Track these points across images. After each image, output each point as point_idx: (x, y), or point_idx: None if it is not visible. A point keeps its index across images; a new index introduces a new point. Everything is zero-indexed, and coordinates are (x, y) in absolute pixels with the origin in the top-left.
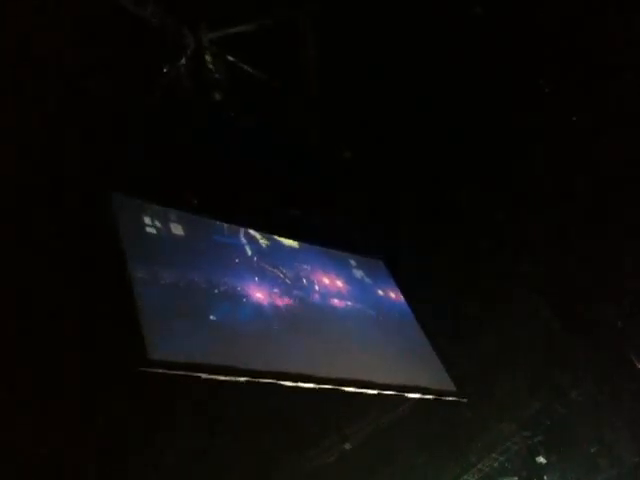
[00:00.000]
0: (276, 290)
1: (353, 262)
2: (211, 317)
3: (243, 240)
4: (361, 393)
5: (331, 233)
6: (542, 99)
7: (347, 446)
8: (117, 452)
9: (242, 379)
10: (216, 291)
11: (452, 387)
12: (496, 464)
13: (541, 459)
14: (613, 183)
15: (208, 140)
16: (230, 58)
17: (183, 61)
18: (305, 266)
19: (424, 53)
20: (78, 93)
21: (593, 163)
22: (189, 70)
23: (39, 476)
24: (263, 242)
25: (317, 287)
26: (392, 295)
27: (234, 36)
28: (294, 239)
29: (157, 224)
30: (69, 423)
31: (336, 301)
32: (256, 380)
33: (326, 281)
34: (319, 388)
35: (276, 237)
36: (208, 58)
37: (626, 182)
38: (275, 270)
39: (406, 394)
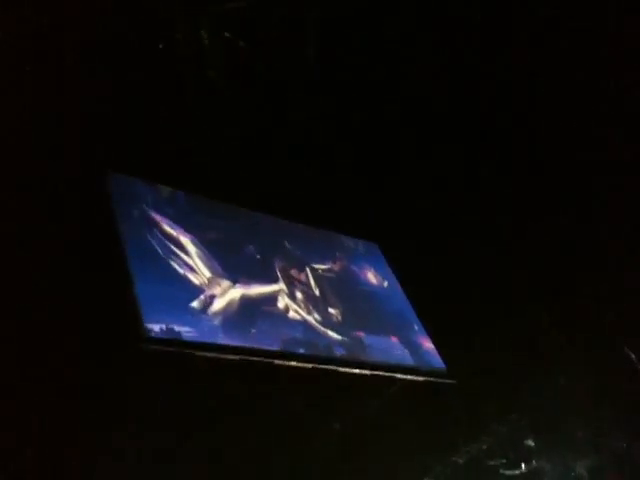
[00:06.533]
0: (277, 269)
1: (348, 243)
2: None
3: (249, 222)
4: (349, 373)
5: (326, 214)
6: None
7: (336, 426)
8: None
9: (235, 357)
10: (220, 274)
11: (443, 368)
12: (484, 446)
13: (529, 442)
14: (614, 184)
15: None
16: (227, 34)
17: (178, 37)
18: (304, 245)
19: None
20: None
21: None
22: (184, 47)
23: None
24: (267, 222)
25: (314, 265)
26: (386, 278)
27: (232, 12)
28: (289, 219)
29: (159, 206)
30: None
31: (329, 280)
32: (247, 358)
33: (322, 260)
34: (312, 367)
35: (277, 218)
36: (204, 34)
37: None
38: (277, 248)
39: (396, 375)
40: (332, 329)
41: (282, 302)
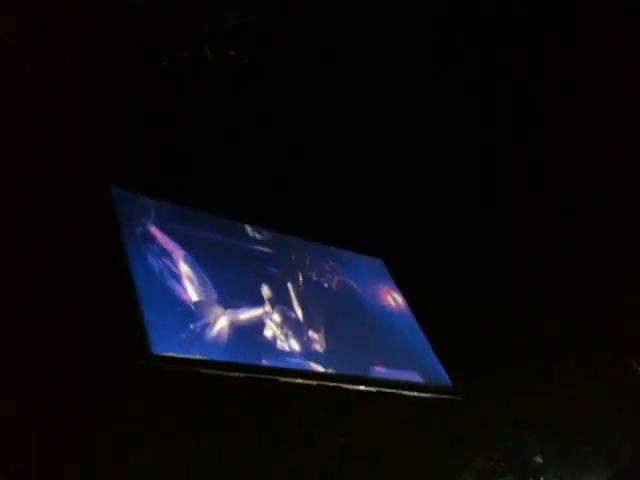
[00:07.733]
0: (281, 286)
1: (350, 258)
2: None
3: (249, 237)
4: (354, 390)
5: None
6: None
7: (342, 441)
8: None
9: (240, 375)
10: (211, 296)
11: (449, 384)
12: (492, 463)
13: (538, 458)
14: (614, 184)
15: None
16: (231, 52)
17: (183, 54)
18: (307, 261)
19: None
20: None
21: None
22: (189, 63)
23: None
24: (270, 239)
25: (308, 283)
26: (391, 294)
27: (235, 29)
28: (293, 235)
29: (161, 221)
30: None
31: (335, 297)
32: (254, 376)
33: (326, 276)
34: (317, 384)
35: (281, 234)
36: (208, 51)
37: (627, 184)
38: (281, 266)
39: (402, 391)
40: (315, 359)
41: (270, 329)
